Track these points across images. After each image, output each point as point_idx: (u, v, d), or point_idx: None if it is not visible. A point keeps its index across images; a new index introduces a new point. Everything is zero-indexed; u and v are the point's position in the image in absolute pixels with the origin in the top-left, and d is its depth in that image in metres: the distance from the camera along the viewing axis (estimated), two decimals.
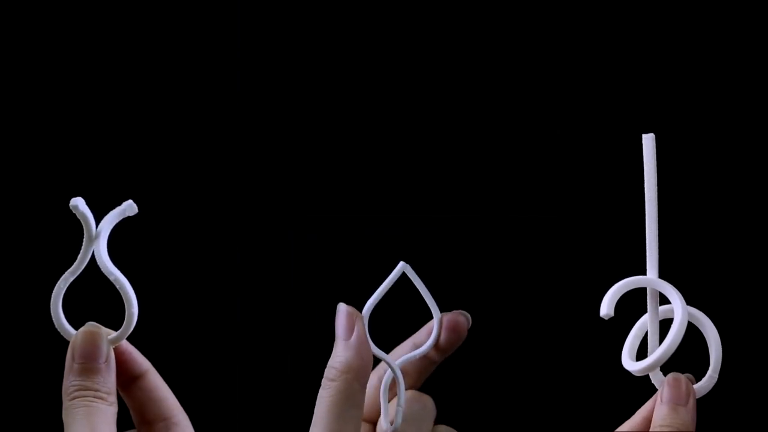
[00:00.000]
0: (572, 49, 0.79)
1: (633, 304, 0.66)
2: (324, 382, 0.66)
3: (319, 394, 0.65)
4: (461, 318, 0.71)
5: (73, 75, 0.80)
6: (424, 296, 0.71)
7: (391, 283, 0.70)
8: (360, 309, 0.69)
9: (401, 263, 0.70)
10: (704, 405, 0.65)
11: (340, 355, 0.66)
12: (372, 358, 0.67)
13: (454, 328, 0.71)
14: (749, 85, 0.78)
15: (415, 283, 0.71)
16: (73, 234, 0.69)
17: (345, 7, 0.80)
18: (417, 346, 0.71)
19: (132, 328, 0.65)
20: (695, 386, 0.64)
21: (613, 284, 0.66)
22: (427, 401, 0.71)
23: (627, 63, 0.79)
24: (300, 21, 0.80)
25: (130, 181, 0.75)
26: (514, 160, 0.79)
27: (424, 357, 0.71)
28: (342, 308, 0.67)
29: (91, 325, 0.65)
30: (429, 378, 0.72)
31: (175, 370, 0.77)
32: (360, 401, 0.66)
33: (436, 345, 0.71)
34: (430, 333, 0.71)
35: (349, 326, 0.67)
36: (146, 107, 0.80)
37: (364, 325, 0.68)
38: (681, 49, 0.78)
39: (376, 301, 0.70)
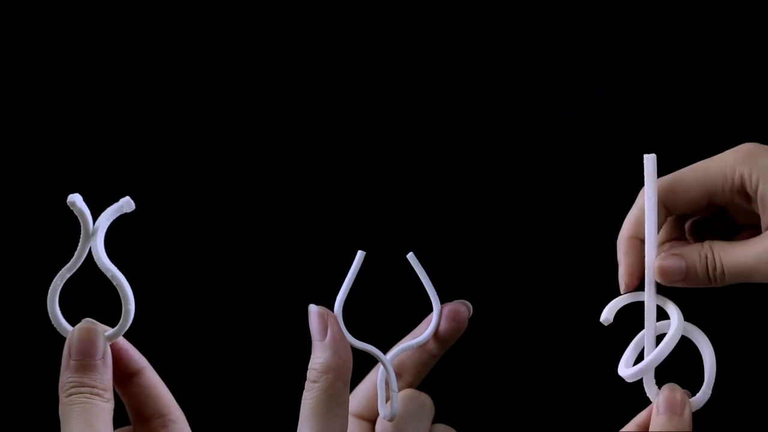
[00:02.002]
0: (576, 55, 0.79)
1: (635, 312, 0.66)
2: (306, 384, 0.66)
3: (303, 397, 0.66)
4: (461, 307, 0.71)
5: (70, 73, 0.80)
6: (425, 286, 0.70)
7: (356, 274, 0.70)
8: (360, 309, 0.69)
9: (360, 252, 0.69)
10: (700, 421, 0.65)
11: (318, 356, 0.66)
12: (350, 354, 0.67)
13: (453, 318, 0.70)
14: (751, 101, 0.78)
15: (418, 273, 0.70)
16: (70, 230, 0.69)
17: (349, 11, 0.80)
18: None
19: (129, 325, 0.65)
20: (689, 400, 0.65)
21: (614, 290, 0.67)
22: (425, 400, 0.71)
23: (630, 69, 0.79)
24: (303, 24, 0.80)
25: (127, 177, 0.75)
26: (521, 166, 0.79)
27: (424, 350, 0.71)
28: (313, 309, 0.68)
29: (87, 322, 0.65)
30: (427, 377, 0.72)
31: (171, 367, 0.77)
32: (344, 399, 0.66)
33: (436, 335, 0.71)
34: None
35: (322, 327, 0.67)
36: (145, 106, 0.80)
37: (338, 322, 0.68)
38: (685, 61, 0.78)
39: (345, 296, 0.70)
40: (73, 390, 0.63)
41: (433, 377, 0.74)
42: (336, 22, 0.80)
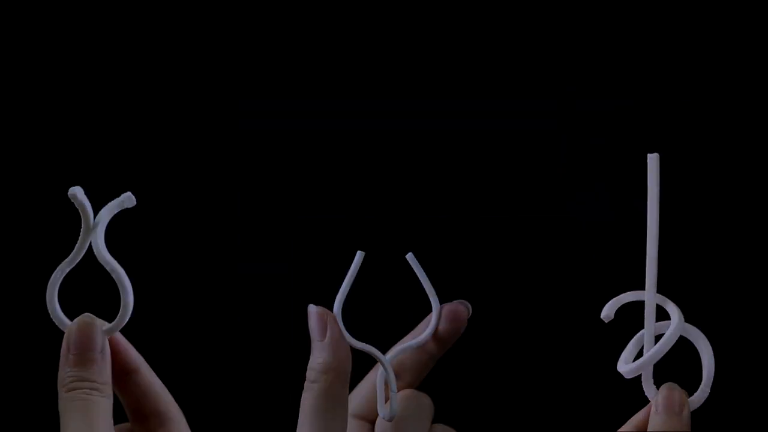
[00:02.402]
0: (575, 55, 0.79)
1: (635, 312, 0.66)
2: (306, 384, 0.66)
3: (302, 397, 0.66)
4: (461, 307, 0.71)
5: (73, 68, 0.80)
6: (424, 286, 0.70)
7: (355, 274, 0.70)
8: (360, 309, 0.69)
9: (359, 252, 0.70)
10: (700, 421, 0.65)
11: (318, 356, 0.66)
12: (350, 354, 0.67)
13: (453, 318, 0.70)
14: (752, 101, 0.78)
15: (417, 273, 0.70)
16: (71, 224, 0.69)
17: (348, 10, 0.80)
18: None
19: (127, 319, 0.65)
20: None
21: (614, 289, 0.67)
22: (425, 399, 0.71)
23: (629, 68, 0.79)
24: (302, 24, 0.80)
25: (129, 173, 0.75)
26: (520, 166, 0.79)
27: (423, 350, 0.71)
28: (312, 309, 0.68)
29: (86, 316, 0.65)
30: (427, 377, 0.72)
31: (171, 366, 0.76)
32: (343, 399, 0.66)
33: (435, 335, 0.71)
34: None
35: (321, 327, 0.67)
36: (147, 102, 0.80)
37: (337, 323, 0.68)
38: (687, 64, 0.78)
39: (344, 296, 0.70)
40: (72, 385, 0.62)
41: (433, 377, 0.74)
42: (335, 22, 0.80)
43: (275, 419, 0.76)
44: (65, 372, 0.63)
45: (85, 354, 0.63)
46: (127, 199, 0.65)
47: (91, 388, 0.63)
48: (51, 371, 0.66)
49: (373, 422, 0.71)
